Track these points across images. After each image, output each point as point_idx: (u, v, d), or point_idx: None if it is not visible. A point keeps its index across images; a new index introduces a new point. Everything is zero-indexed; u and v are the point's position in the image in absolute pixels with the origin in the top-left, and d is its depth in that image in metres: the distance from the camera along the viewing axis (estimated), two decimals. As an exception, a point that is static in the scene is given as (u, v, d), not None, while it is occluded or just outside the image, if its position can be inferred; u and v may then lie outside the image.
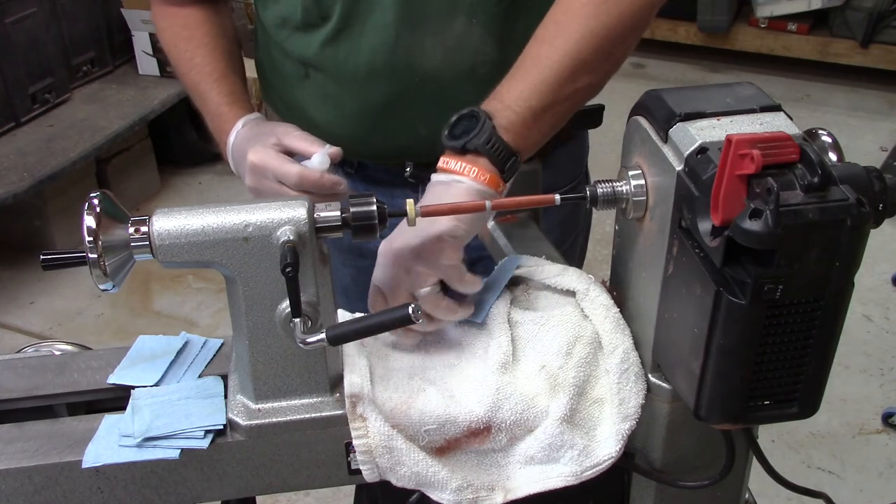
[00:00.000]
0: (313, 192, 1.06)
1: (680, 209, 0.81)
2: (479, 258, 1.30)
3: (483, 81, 1.14)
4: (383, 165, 1.32)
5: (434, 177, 1.00)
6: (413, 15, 1.14)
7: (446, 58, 1.17)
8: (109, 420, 0.94)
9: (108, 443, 0.91)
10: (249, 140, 1.16)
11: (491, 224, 1.18)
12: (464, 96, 1.16)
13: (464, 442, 0.93)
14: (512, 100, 0.99)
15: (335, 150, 1.10)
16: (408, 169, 1.21)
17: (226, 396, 0.96)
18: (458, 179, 0.97)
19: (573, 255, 1.47)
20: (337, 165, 1.39)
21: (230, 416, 0.93)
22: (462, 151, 0.97)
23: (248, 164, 1.11)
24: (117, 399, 0.99)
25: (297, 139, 1.12)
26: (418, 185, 1.28)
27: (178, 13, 1.30)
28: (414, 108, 1.21)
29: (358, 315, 0.97)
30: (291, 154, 1.12)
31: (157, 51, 3.54)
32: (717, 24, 4.55)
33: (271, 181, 1.09)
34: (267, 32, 1.28)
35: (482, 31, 1.16)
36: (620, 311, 0.96)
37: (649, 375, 0.94)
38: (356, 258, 1.43)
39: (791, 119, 0.84)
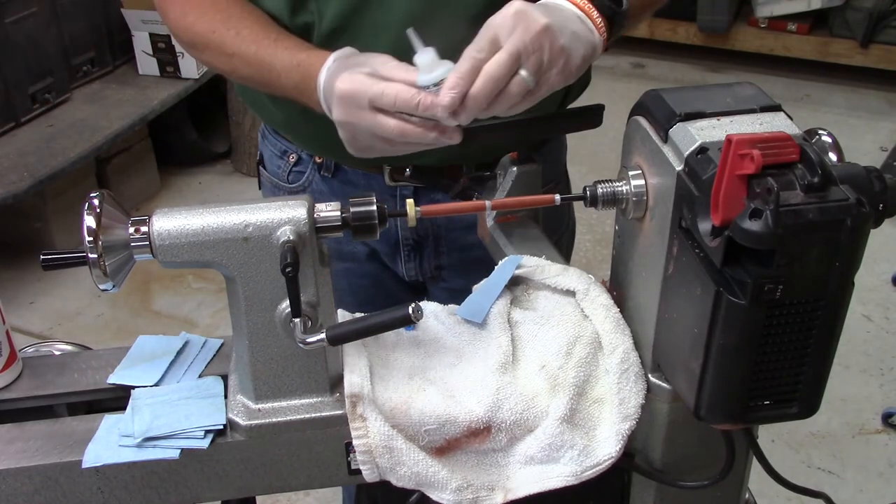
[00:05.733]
0: (411, 114, 0.96)
1: (680, 209, 0.81)
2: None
3: None
4: (362, 170, 1.31)
5: None
6: (418, 20, 1.13)
7: None
8: (109, 420, 0.94)
9: (108, 443, 0.91)
10: (338, 72, 1.03)
11: (491, 224, 1.18)
12: None
13: (464, 442, 0.93)
14: None
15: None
16: (407, 170, 1.21)
17: (226, 396, 0.96)
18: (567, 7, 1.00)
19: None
20: (314, 169, 1.35)
21: (230, 416, 0.93)
22: None
23: (336, 94, 0.99)
24: (117, 399, 0.99)
25: (397, 69, 0.99)
26: (396, 189, 1.28)
27: (201, 1, 1.20)
28: None
29: (358, 315, 0.98)
30: None
31: (158, 51, 3.54)
32: (716, 24, 4.55)
33: (365, 109, 0.97)
34: None
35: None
36: (620, 311, 0.96)
37: (649, 375, 0.94)
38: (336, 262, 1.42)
39: (791, 119, 0.84)
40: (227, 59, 1.17)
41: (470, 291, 1.03)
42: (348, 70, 1.01)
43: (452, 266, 1.35)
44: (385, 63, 1.00)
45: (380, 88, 0.95)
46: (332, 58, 1.06)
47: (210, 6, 1.19)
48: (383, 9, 1.13)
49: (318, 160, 1.34)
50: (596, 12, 1.00)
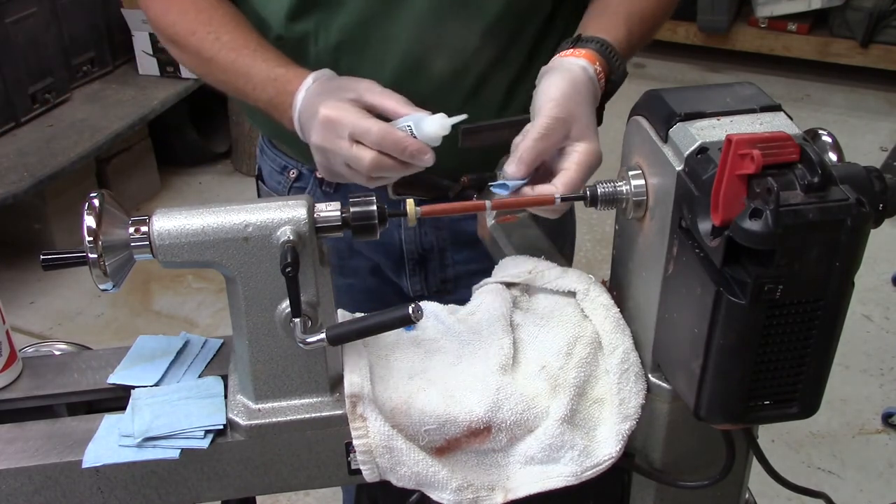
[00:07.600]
0: (393, 156, 0.96)
1: (680, 209, 0.81)
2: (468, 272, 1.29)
3: (471, 92, 1.16)
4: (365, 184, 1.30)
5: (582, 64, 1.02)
6: (429, 32, 1.12)
7: (454, 71, 1.15)
8: (109, 420, 0.94)
9: (108, 443, 0.91)
10: (322, 95, 1.02)
11: (491, 224, 1.18)
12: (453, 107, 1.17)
13: (464, 442, 0.93)
14: (637, 40, 1.10)
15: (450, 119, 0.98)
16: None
17: (226, 396, 0.96)
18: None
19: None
20: (315, 185, 1.31)
21: (230, 416, 0.93)
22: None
23: (320, 118, 0.99)
24: (117, 399, 0.99)
25: (382, 96, 1.00)
26: (402, 203, 1.27)
27: (183, 1, 1.18)
28: None
29: (358, 315, 0.98)
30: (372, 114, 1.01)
31: (158, 51, 3.54)
32: (716, 23, 4.55)
33: (344, 139, 0.98)
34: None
35: (493, 47, 1.15)
36: (620, 311, 0.96)
37: (649, 375, 0.94)
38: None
39: (791, 119, 0.84)
40: (204, 62, 1.16)
41: None
42: (333, 95, 1.01)
43: (459, 278, 1.33)
44: (370, 89, 1.01)
45: (366, 126, 0.96)
46: (311, 77, 1.06)
47: (192, 6, 1.17)
48: (392, 21, 1.11)
49: (318, 175, 1.25)
50: (603, 76, 1.04)
